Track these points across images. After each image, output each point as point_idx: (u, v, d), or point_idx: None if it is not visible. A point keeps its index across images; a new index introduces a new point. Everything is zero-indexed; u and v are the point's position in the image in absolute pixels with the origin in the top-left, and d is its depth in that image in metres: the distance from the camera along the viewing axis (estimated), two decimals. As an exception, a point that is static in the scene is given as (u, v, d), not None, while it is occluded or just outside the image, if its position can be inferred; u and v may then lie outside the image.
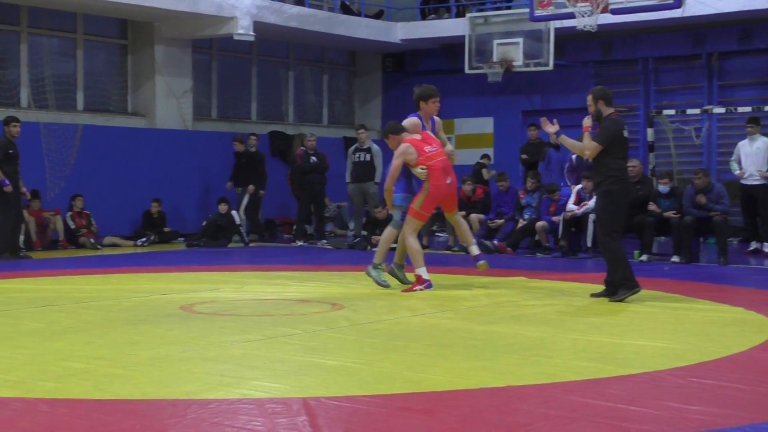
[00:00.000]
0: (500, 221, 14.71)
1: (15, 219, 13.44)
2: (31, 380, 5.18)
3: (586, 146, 8.77)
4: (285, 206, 18.74)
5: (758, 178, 13.75)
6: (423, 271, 9.33)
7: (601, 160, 8.69)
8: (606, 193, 8.72)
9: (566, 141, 9.11)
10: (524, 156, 16.46)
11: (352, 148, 16.17)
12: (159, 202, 16.53)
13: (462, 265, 12.86)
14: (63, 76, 16.59)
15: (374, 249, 14.73)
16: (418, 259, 9.37)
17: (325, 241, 16.19)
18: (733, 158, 14.19)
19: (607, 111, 8.84)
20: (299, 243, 16.21)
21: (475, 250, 9.80)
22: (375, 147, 15.93)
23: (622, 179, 8.83)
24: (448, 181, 9.48)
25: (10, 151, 13.27)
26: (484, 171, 17.52)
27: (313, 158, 16.39)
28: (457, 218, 9.97)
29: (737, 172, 13.96)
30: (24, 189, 13.85)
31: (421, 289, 9.22)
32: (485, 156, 18.11)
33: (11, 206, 13.25)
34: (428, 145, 9.47)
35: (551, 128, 9.31)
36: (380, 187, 16.18)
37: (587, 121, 8.87)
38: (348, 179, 15.92)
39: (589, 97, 8.96)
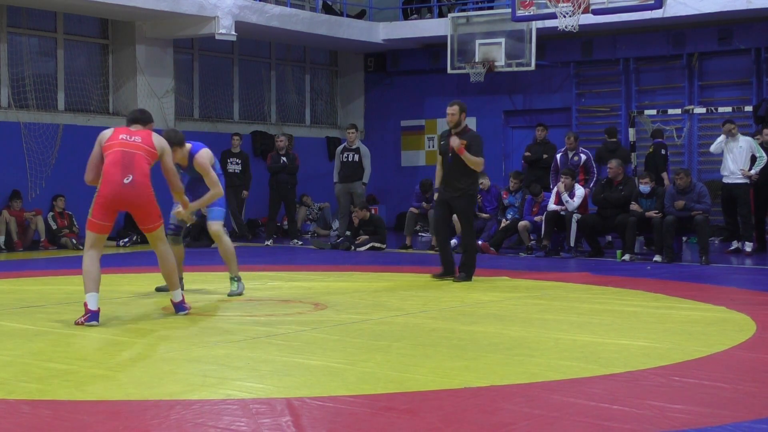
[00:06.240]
0: (485, 215, 14.71)
1: None
2: (13, 381, 5.15)
3: (478, 161, 9.83)
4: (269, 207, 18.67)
5: (740, 176, 13.82)
6: (90, 299, 7.04)
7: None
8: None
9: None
10: (527, 153, 16.55)
11: (340, 147, 16.17)
12: None
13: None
14: (44, 75, 16.50)
15: (359, 249, 14.84)
16: (86, 282, 7.08)
17: (297, 240, 16.21)
18: (717, 141, 14.29)
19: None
20: (268, 242, 16.10)
21: (177, 296, 7.58)
22: (363, 147, 15.95)
23: None
24: (126, 180, 7.42)
25: None
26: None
27: (283, 159, 16.36)
28: (162, 248, 7.73)
29: (719, 142, 14.12)
30: None
31: (83, 321, 6.93)
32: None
33: None
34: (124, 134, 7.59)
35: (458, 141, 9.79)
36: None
37: (456, 142, 9.68)
38: (335, 179, 15.91)
39: (456, 108, 9.87)
